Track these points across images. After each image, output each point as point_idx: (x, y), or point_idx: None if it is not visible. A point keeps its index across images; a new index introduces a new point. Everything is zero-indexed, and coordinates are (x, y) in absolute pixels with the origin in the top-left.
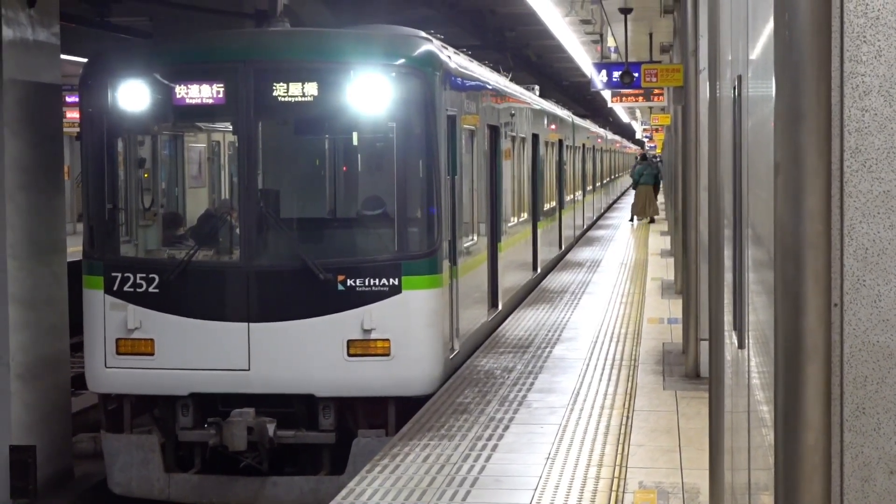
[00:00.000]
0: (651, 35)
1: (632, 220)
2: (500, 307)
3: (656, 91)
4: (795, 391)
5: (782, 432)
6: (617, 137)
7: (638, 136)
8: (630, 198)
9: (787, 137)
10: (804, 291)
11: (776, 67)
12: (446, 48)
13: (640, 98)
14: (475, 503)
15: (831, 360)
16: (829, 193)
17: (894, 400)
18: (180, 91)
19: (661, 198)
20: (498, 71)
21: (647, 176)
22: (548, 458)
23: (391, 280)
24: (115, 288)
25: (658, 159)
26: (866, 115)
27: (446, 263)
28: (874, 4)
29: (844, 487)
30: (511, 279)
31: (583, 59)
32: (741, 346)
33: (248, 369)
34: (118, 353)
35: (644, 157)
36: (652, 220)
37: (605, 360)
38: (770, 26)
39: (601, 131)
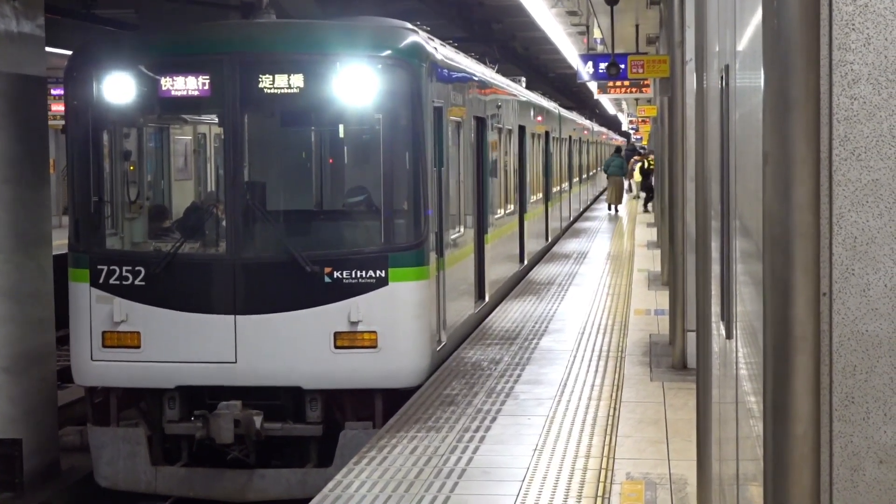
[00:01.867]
0: (637, 26)
1: (609, 209)
2: (486, 299)
3: (643, 82)
4: (784, 381)
5: (771, 422)
6: (603, 129)
7: (624, 127)
8: None
9: (775, 126)
10: (793, 281)
11: (765, 56)
12: (433, 40)
13: (627, 89)
14: (463, 495)
15: (820, 350)
16: (817, 182)
17: (883, 389)
18: (166, 83)
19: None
20: (484, 63)
21: (615, 168)
22: (535, 449)
23: (378, 272)
24: (101, 281)
25: (645, 150)
26: (855, 103)
27: (433, 255)
28: None
29: (833, 477)
30: (498, 271)
31: (569, 50)
32: (729, 336)
33: (235, 362)
34: (104, 346)
35: (618, 149)
36: (616, 210)
37: (593, 351)
38: (758, 16)
39: (587, 123)
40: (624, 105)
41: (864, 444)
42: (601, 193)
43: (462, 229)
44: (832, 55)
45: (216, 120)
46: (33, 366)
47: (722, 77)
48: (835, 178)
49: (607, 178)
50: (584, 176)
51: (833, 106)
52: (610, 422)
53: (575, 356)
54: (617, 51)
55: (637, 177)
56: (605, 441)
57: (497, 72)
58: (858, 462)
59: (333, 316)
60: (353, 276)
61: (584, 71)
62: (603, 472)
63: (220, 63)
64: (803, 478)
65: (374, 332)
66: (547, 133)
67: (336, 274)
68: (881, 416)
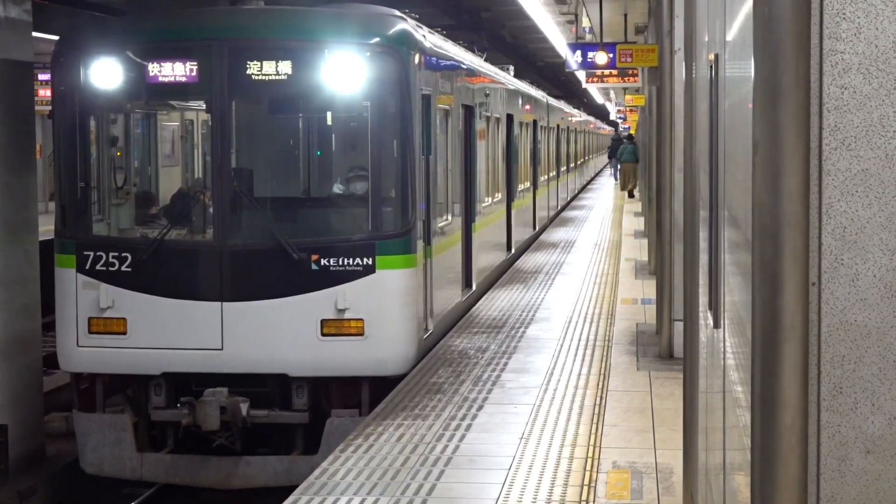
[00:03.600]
0: (626, 16)
1: (630, 195)
2: (474, 287)
3: (631, 72)
4: (772, 370)
5: (759, 412)
6: (591, 118)
7: (612, 116)
8: (604, 178)
9: (765, 116)
10: (782, 270)
11: (755, 45)
12: (421, 27)
13: (615, 79)
14: (449, 483)
15: (809, 340)
16: (807, 172)
17: (871, 379)
18: (153, 69)
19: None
20: (473, 51)
21: (628, 154)
22: (521, 438)
23: (365, 260)
24: (87, 267)
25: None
26: (845, 92)
27: (420, 243)
28: None
29: (821, 467)
30: (485, 259)
31: (557, 39)
32: (716, 326)
33: (222, 349)
34: (90, 332)
35: (630, 137)
36: (631, 195)
37: (579, 340)
38: (748, 5)
39: (575, 112)
40: (612, 94)
41: (852, 434)
42: (589, 182)
43: (449, 217)
44: (823, 44)
45: (204, 106)
46: (19, 352)
47: (711, 67)
48: (824, 167)
49: (620, 164)
50: (573, 165)
51: (823, 95)
52: (596, 411)
53: (562, 345)
54: (605, 40)
55: None
56: (591, 430)
57: (485, 60)
58: (846, 452)
59: (320, 303)
60: (341, 263)
61: (573, 60)
62: (589, 460)
63: (208, 49)
64: (791, 467)
65: (361, 319)
66: (535, 122)
67: (323, 261)
68: (869, 407)
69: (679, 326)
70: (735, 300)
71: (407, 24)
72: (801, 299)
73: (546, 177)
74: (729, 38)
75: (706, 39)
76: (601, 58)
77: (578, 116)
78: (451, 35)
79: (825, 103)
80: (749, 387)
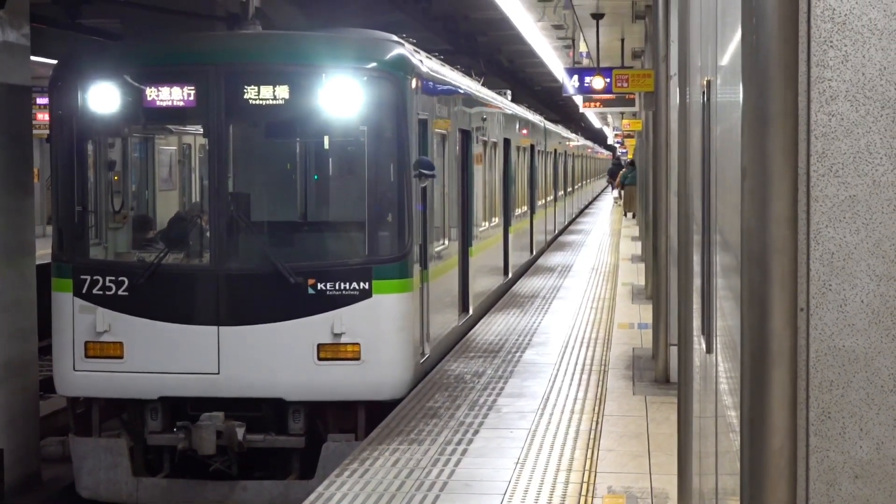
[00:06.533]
0: (623, 40)
1: (626, 216)
2: (470, 311)
3: (628, 96)
4: (761, 395)
5: (748, 436)
6: (588, 143)
7: (610, 141)
8: (603, 202)
9: (754, 142)
10: (770, 296)
11: (743, 72)
12: (418, 52)
13: (612, 104)
14: None
15: (797, 365)
16: (795, 198)
17: (860, 405)
18: (151, 93)
19: None
20: (470, 75)
21: (632, 178)
22: (517, 462)
23: (362, 284)
24: (84, 291)
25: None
26: (833, 119)
27: (417, 267)
28: (841, 9)
29: (810, 492)
30: (482, 284)
31: (555, 64)
32: (709, 350)
33: (218, 373)
34: (87, 356)
35: (632, 162)
36: (634, 216)
37: (576, 364)
38: (738, 32)
39: (573, 136)
40: (609, 119)
41: (840, 459)
42: (587, 206)
43: (446, 242)
44: (810, 72)
45: (201, 130)
46: (15, 375)
47: (704, 92)
48: (812, 193)
49: (623, 187)
50: (570, 189)
51: (811, 122)
52: (592, 435)
53: (558, 369)
54: (602, 65)
55: None
56: (587, 455)
57: (482, 85)
58: (834, 477)
59: (317, 328)
60: (337, 287)
61: (570, 84)
62: (585, 485)
63: (205, 74)
64: (779, 492)
65: (358, 344)
66: (532, 146)
67: (320, 285)
68: (857, 432)
69: (675, 351)
70: (728, 324)
71: (404, 49)
72: (790, 325)
73: (543, 201)
74: (721, 63)
75: (699, 65)
76: (598, 82)
77: (576, 141)
78: (449, 60)
79: (813, 130)
80: (740, 411)
